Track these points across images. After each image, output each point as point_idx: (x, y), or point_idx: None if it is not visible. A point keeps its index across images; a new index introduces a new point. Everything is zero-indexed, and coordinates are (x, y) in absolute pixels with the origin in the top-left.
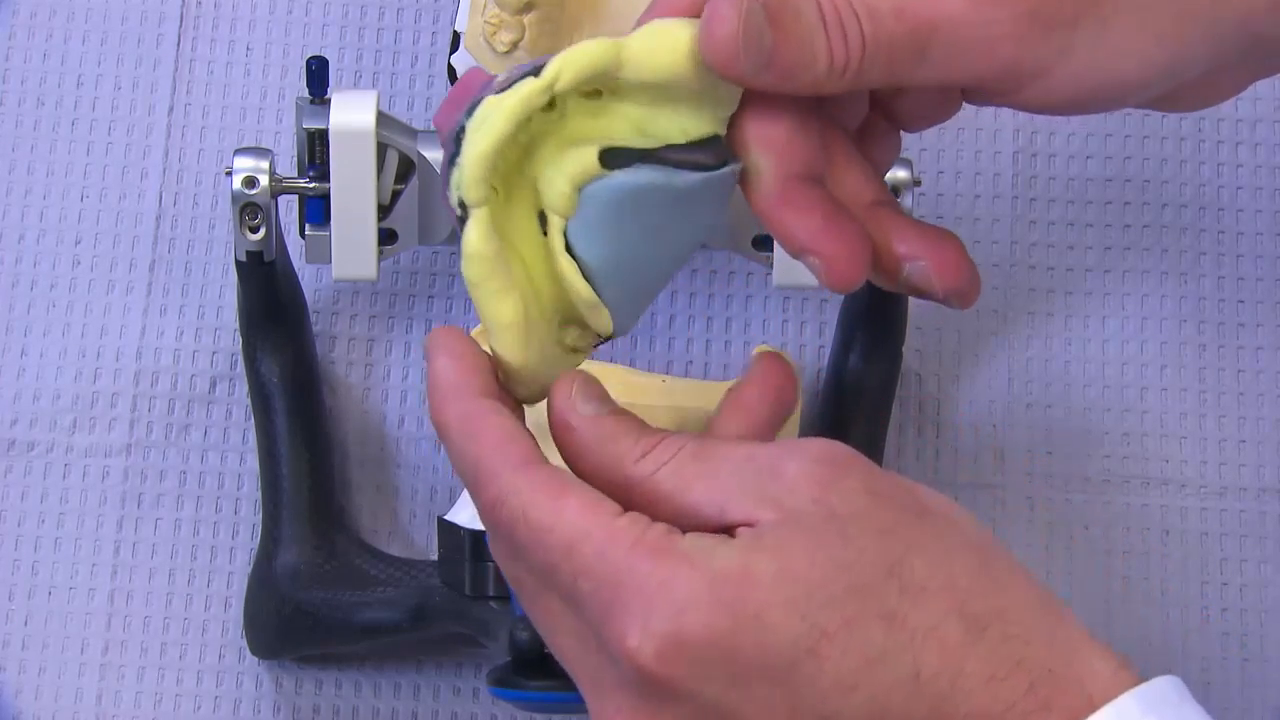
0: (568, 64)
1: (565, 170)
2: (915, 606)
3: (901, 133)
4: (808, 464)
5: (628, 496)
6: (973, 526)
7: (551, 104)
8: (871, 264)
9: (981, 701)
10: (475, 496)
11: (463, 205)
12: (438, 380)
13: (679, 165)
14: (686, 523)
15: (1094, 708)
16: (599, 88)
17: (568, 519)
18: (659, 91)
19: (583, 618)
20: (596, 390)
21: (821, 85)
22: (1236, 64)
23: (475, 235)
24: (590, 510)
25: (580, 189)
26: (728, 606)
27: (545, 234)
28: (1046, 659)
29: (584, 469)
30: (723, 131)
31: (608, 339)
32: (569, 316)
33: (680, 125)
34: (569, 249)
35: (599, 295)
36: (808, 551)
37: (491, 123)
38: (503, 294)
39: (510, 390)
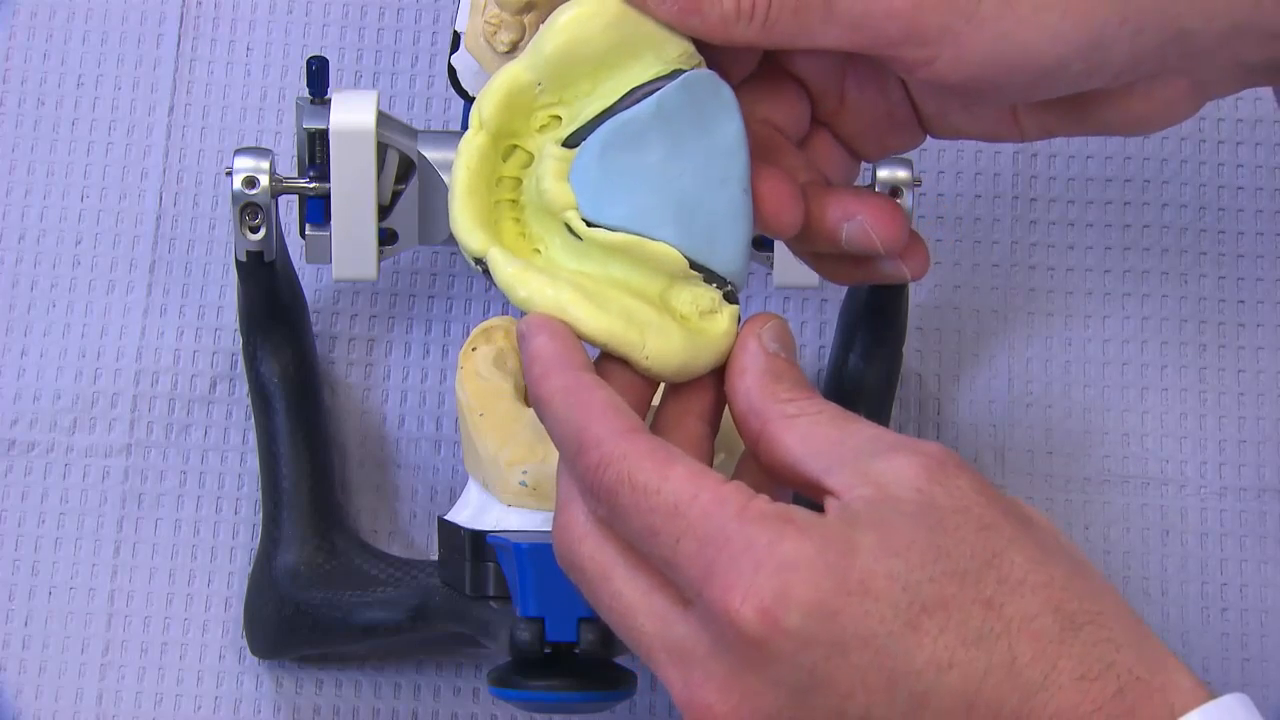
0: (483, 97)
1: (543, 172)
2: (1013, 597)
3: (863, 161)
4: (920, 457)
5: (760, 427)
6: (1071, 542)
7: (531, 157)
8: (802, 204)
9: (1071, 699)
10: (574, 463)
11: (477, 261)
12: (538, 354)
13: (634, 104)
14: (787, 475)
15: (1174, 719)
16: (552, 110)
17: (674, 483)
18: (586, 66)
19: (671, 588)
20: (786, 340)
21: (730, 28)
22: (1169, 64)
23: (499, 276)
24: (697, 476)
25: (566, 179)
26: (834, 571)
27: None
28: (1135, 666)
29: (738, 386)
30: (686, 65)
31: (729, 292)
32: (665, 276)
33: (628, 79)
34: (591, 226)
35: (641, 235)
36: (907, 532)
37: (453, 182)
38: (546, 287)
39: (641, 368)
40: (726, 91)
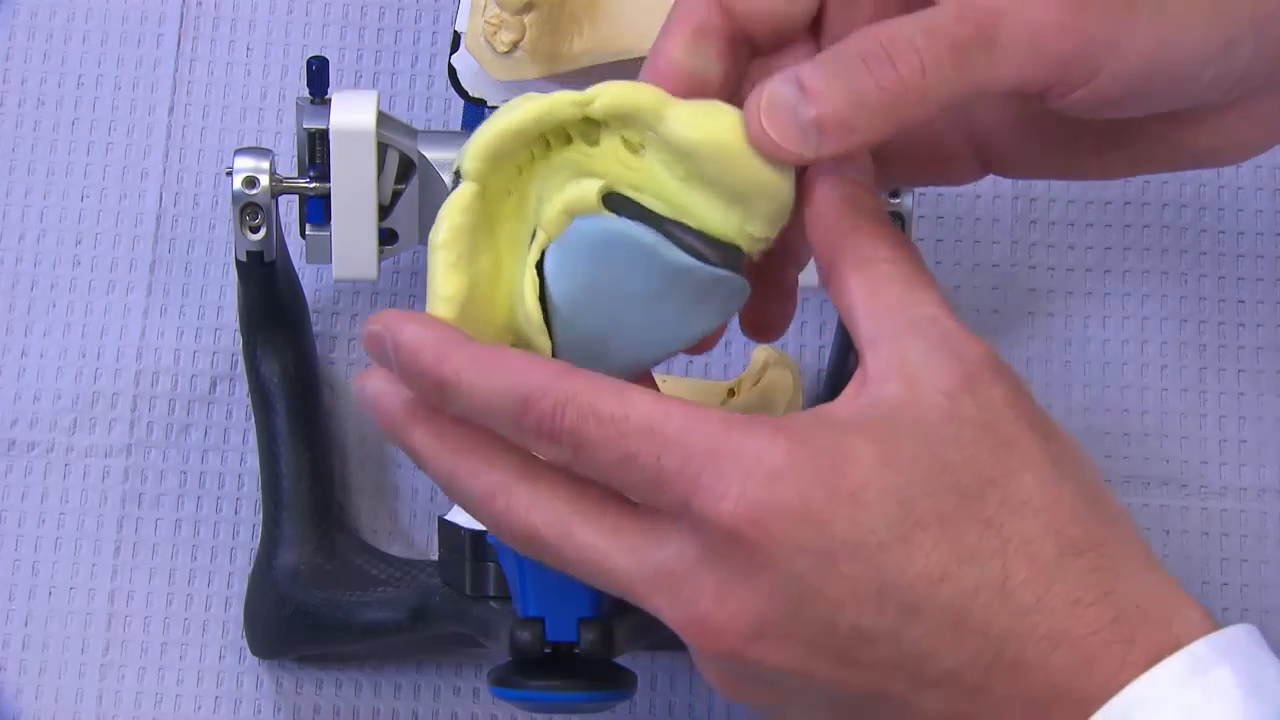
0: (608, 90)
1: (566, 193)
2: (1014, 518)
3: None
4: (960, 363)
5: (831, 260)
6: (1091, 466)
7: (596, 141)
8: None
9: (1063, 622)
10: (520, 421)
11: (458, 174)
12: (421, 341)
13: (677, 243)
14: (844, 315)
15: (1179, 648)
16: (638, 139)
17: (641, 406)
18: (693, 168)
19: (638, 517)
20: (867, 170)
21: (894, 116)
22: (1274, 77)
23: (454, 203)
24: (660, 398)
25: (573, 216)
26: (824, 480)
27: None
28: (1136, 596)
29: (817, 213)
30: (746, 248)
31: None
32: (519, 339)
33: (702, 213)
34: (539, 268)
35: (548, 325)
36: (914, 445)
37: (515, 110)
38: (453, 268)
39: None
40: (733, 306)
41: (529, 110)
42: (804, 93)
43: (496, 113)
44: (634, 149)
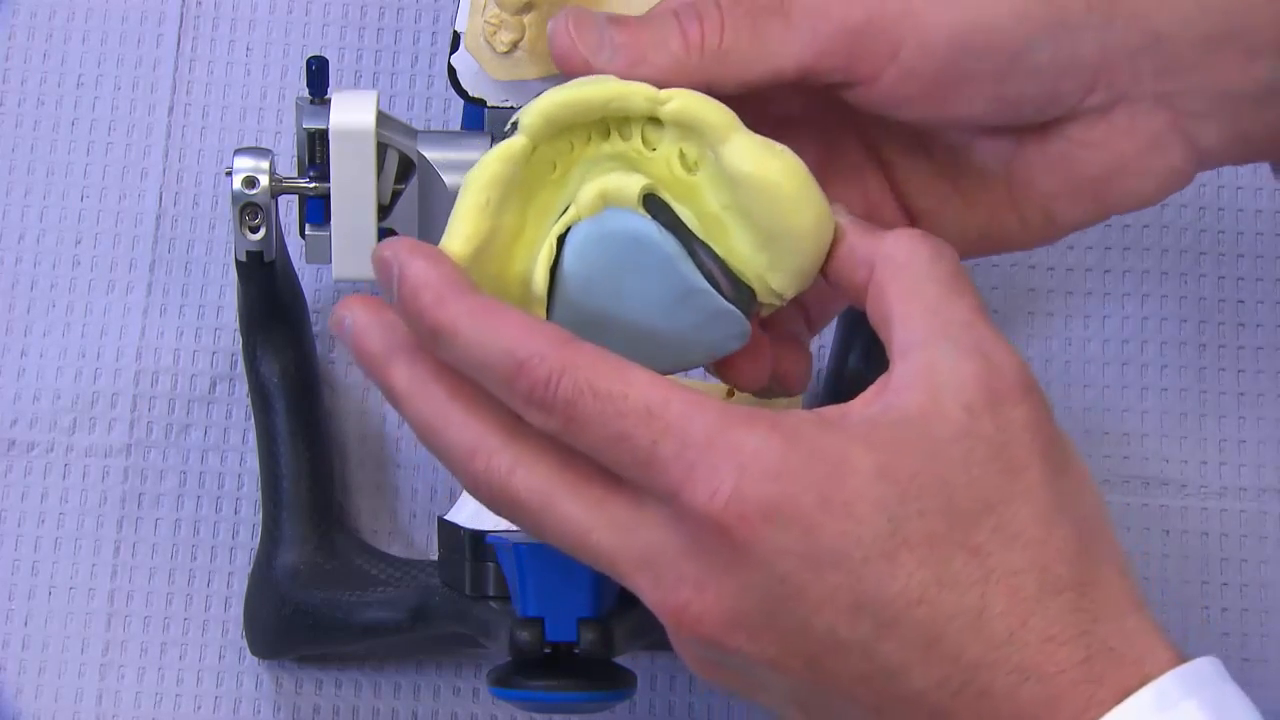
0: (684, 95)
1: (609, 180)
2: (1002, 548)
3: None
4: (988, 375)
5: (876, 253)
6: (1096, 501)
7: (654, 146)
8: (766, 374)
9: (1035, 657)
10: (512, 384)
11: (514, 126)
12: (425, 280)
13: (699, 263)
14: (879, 323)
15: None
16: (695, 157)
17: (640, 388)
18: (738, 199)
19: (623, 493)
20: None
21: (684, 69)
22: (1145, 83)
23: (501, 150)
24: (660, 381)
25: (607, 203)
26: (818, 486)
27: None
28: (1110, 638)
29: (840, 245)
30: (760, 297)
31: None
32: (518, 306)
33: (732, 245)
34: (560, 242)
35: (549, 300)
36: (918, 460)
37: (589, 85)
38: (480, 211)
39: None
40: (729, 347)
41: (603, 89)
42: (613, 24)
43: (569, 83)
44: (689, 167)
